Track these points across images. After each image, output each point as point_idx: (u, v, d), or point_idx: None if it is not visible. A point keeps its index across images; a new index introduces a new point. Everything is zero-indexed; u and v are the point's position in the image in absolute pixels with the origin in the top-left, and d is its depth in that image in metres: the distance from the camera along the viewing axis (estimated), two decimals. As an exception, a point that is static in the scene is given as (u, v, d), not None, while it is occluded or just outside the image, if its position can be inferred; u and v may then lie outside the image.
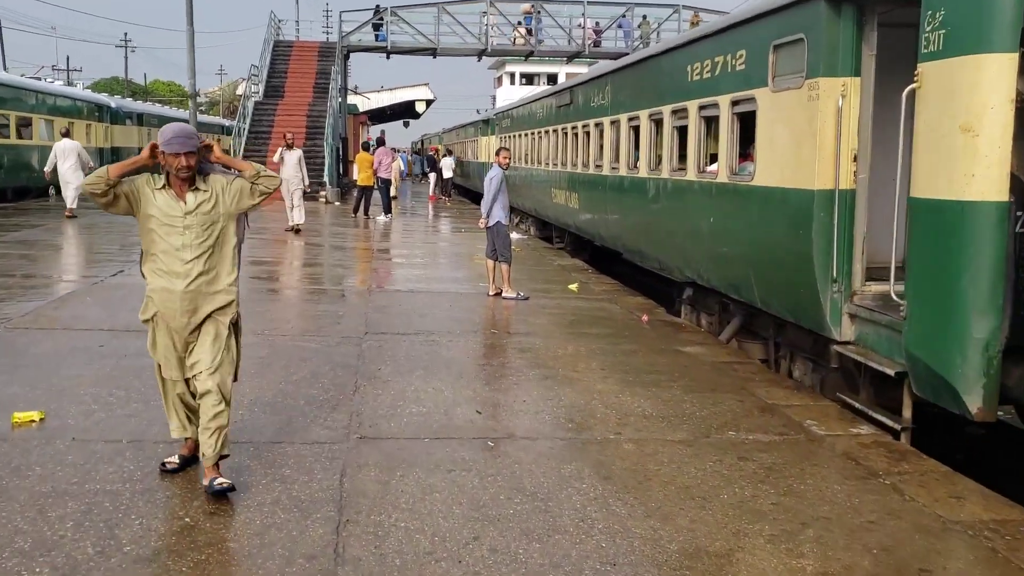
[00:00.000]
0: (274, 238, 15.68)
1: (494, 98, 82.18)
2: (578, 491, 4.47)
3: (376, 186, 22.66)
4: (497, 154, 10.94)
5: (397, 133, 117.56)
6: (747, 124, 8.38)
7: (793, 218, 7.19)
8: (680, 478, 4.73)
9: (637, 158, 11.78)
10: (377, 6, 35.46)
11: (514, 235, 18.93)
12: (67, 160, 18.74)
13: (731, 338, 9.32)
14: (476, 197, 37.71)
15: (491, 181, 10.64)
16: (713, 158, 9.37)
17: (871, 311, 6.54)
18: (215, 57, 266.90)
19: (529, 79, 69.90)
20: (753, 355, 8.88)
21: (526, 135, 21.15)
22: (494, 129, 28.21)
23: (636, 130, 11.88)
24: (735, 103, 8.43)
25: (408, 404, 5.88)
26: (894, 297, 6.01)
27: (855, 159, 6.67)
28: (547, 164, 18.21)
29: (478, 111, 70.40)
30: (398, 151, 33.34)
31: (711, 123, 9.44)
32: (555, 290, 11.51)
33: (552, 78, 69.84)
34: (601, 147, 13.89)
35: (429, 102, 63.70)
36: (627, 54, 37.57)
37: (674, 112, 10.20)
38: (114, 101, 34.84)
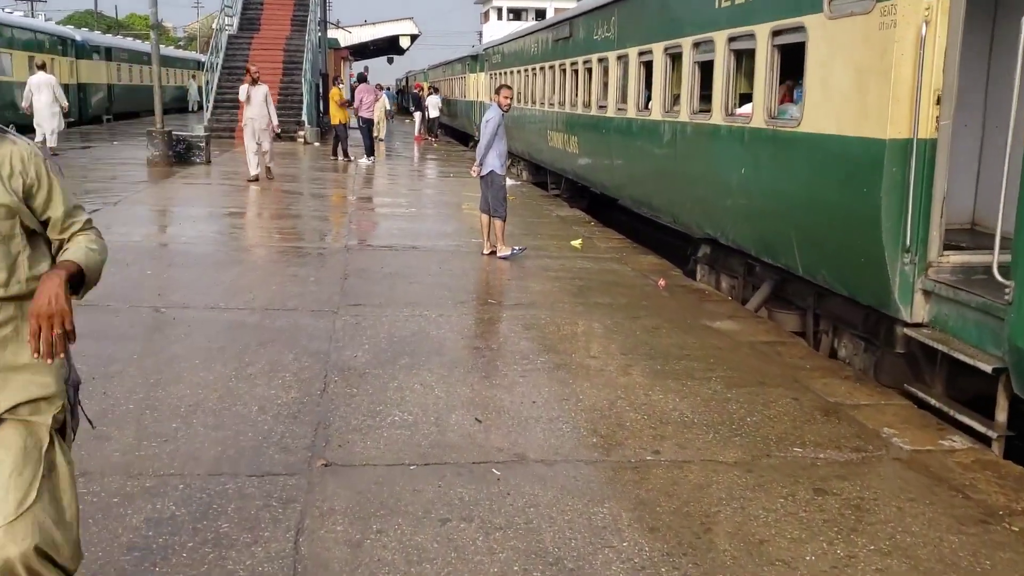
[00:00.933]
0: (245, 184, 14.34)
1: (480, 34, 79.77)
2: (618, 553, 3.33)
3: (358, 126, 21.18)
4: (497, 92, 9.57)
5: (381, 70, 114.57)
6: (791, 59, 7.08)
7: (854, 172, 5.95)
8: (748, 525, 3.59)
9: (649, 98, 10.46)
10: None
11: (508, 181, 17.62)
12: (41, 94, 18.17)
13: (760, 306, 8.17)
14: (464, 137, 36.21)
15: (487, 124, 9.34)
16: (744, 99, 8.09)
17: (954, 288, 5.36)
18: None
19: (517, 14, 67.57)
20: (786, 327, 7.74)
21: (519, 72, 19.66)
22: (483, 66, 26.60)
23: (648, 67, 10.54)
24: (776, 33, 7.12)
25: (389, 409, 4.70)
26: (997, 276, 4.83)
27: (938, 101, 5.42)
28: (543, 104, 16.81)
29: (473, 46, 68.35)
30: (383, 88, 31.52)
31: (743, 58, 8.12)
32: (556, 247, 10.29)
33: (541, 13, 67.47)
34: (605, 86, 12.53)
35: (414, 37, 61.24)
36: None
37: (696, 45, 8.86)
38: (79, 34, 32.83)
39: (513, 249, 9.41)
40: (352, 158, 20.55)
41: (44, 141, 18.08)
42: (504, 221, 9.54)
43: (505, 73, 21.70)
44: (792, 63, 7.02)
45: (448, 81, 37.38)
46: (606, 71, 12.48)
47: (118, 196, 12.67)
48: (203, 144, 18.07)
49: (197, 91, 46.43)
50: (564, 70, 15.08)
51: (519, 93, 19.76)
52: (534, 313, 6.97)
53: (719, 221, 8.43)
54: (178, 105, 47.18)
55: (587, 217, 13.16)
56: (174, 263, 8.32)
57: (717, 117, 8.31)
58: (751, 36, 7.54)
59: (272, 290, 7.43)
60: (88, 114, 31.52)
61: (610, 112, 12.03)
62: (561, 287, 8.03)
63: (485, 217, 9.63)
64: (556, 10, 67.85)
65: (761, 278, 8.35)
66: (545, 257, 9.54)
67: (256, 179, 14.67)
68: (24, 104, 18.56)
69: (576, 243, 10.54)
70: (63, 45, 29.68)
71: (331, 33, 40.15)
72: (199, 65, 48.62)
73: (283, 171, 17.61)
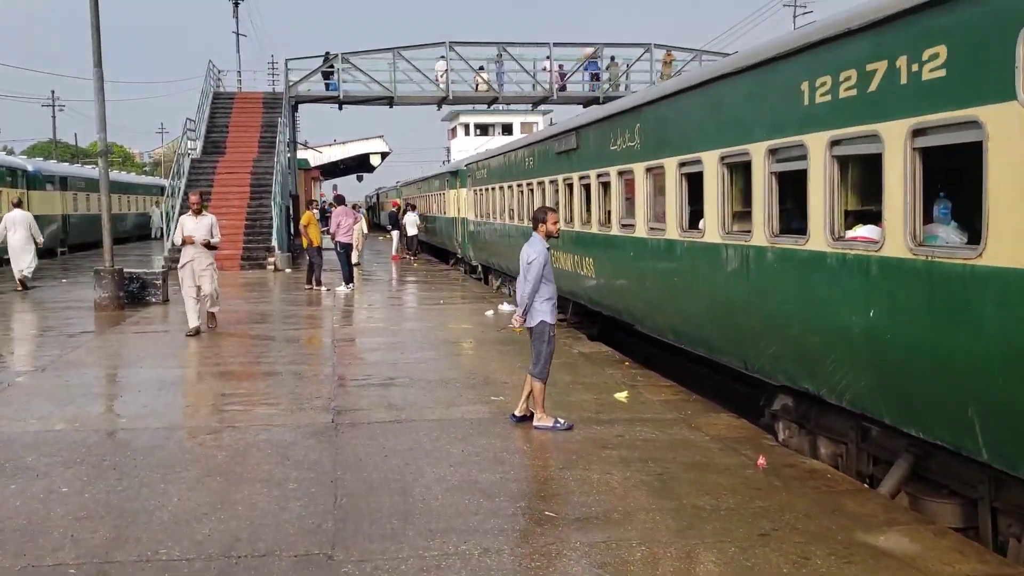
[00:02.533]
0: (194, 334, 12.20)
1: (448, 150, 79.81)
2: None
3: (335, 251, 19.27)
4: (541, 220, 7.51)
5: (350, 188, 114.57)
6: (950, 165, 5.25)
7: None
8: None
9: (699, 216, 8.61)
10: (327, 53, 32.39)
11: (504, 306, 15.68)
12: (16, 231, 18.18)
13: (897, 491, 6.10)
14: (443, 254, 34.53)
15: (531, 263, 7.32)
16: (859, 218, 6.22)
17: None
18: (156, 115, 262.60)
19: (484, 130, 67.62)
20: (940, 520, 5.66)
21: (510, 188, 17.98)
22: (465, 181, 25.04)
23: (693, 179, 8.74)
24: (919, 133, 5.28)
25: None
26: None
27: None
28: (543, 222, 15.01)
29: (444, 162, 67.67)
30: (358, 207, 29.93)
31: (851, 166, 6.31)
32: (596, 402, 8.21)
33: (507, 128, 67.64)
34: (630, 201, 10.73)
35: (384, 155, 60.63)
36: (597, 99, 35.26)
37: (773, 152, 7.05)
38: (31, 164, 31.05)
39: (556, 422, 7.28)
40: (326, 287, 18.56)
41: (22, 278, 18.27)
42: (544, 383, 7.47)
43: (492, 189, 20.04)
44: (960, 172, 5.17)
45: (425, 197, 35.94)
46: (629, 185, 10.70)
47: (48, 357, 10.46)
48: (159, 281, 15.98)
49: (160, 218, 44.73)
50: (570, 185, 13.33)
51: (511, 210, 18.05)
52: (618, 538, 4.81)
53: (823, 374, 6.43)
54: (141, 232, 45.34)
55: (614, 353, 11.13)
56: (101, 469, 6.07)
57: (818, 242, 6.40)
58: (872, 137, 5.70)
59: (237, 513, 5.20)
60: (40, 248, 29.38)
61: (640, 232, 10.18)
62: (634, 479, 5.89)
63: (528, 380, 7.57)
64: (522, 125, 68.34)
65: (889, 448, 6.32)
66: (592, 422, 7.43)
67: (196, 332, 11.79)
68: None
69: (621, 397, 8.46)
70: (12, 176, 27.82)
71: (301, 153, 38.88)
72: (163, 191, 47.08)
73: (252, 307, 15.50)
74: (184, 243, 11.79)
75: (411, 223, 30.78)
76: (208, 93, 31.36)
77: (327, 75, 32.72)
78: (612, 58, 34.26)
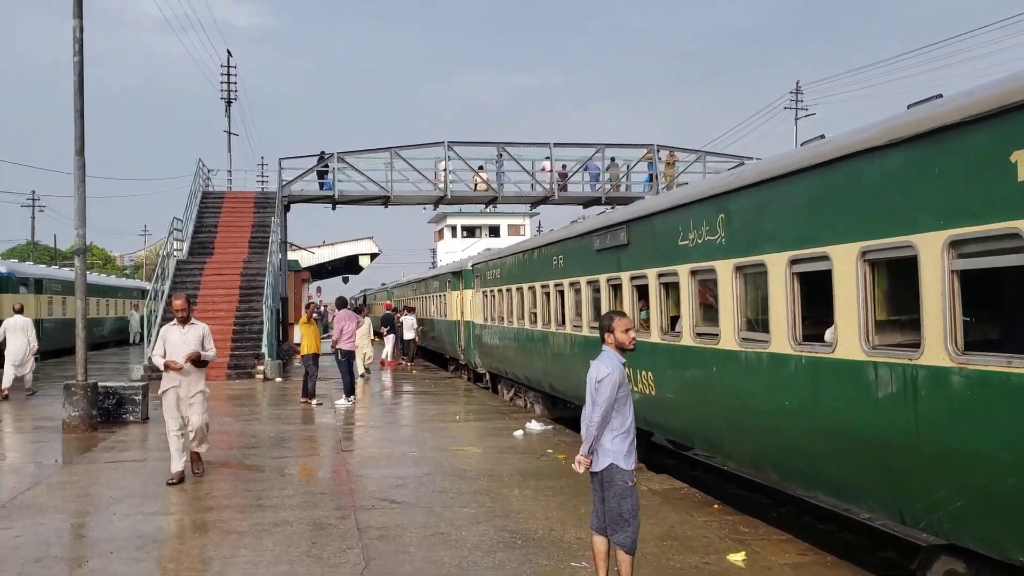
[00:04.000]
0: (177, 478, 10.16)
1: (434, 251, 78.88)
2: None
3: (336, 359, 17.40)
4: (608, 327, 5.80)
5: (336, 289, 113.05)
6: None
7: None
8: None
9: (819, 325, 6.93)
10: (322, 152, 31.27)
11: (533, 424, 13.78)
12: (16, 337, 18.43)
13: None
14: (438, 359, 32.60)
15: (600, 384, 5.58)
16: None
17: None
18: (140, 217, 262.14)
19: (471, 232, 67.08)
20: None
21: (531, 289, 16.34)
22: (471, 282, 23.42)
23: (815, 279, 7.09)
24: None
25: None
26: None
27: None
28: (577, 328, 13.31)
29: (433, 265, 66.31)
30: (364, 311, 28.15)
31: None
32: (705, 567, 6.31)
33: (494, 230, 67.09)
34: (707, 306, 9.08)
35: (374, 256, 59.27)
36: (598, 199, 34.21)
37: (957, 245, 5.42)
38: (5, 265, 29.21)
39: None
40: (319, 401, 16.65)
41: (19, 381, 18.32)
42: (633, 554, 5.60)
43: (507, 290, 18.39)
44: None
45: (422, 299, 34.27)
46: (706, 287, 9.06)
47: (-1, 498, 8.44)
48: (138, 396, 13.98)
49: (139, 322, 42.71)
50: (616, 286, 11.69)
51: (530, 313, 16.36)
52: None
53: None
54: (119, 337, 43.20)
55: (691, 489, 9.23)
56: None
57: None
58: None
59: None
60: (37, 354, 27.25)
61: (726, 343, 8.45)
62: None
63: (600, 541, 5.69)
64: (510, 227, 67.67)
65: None
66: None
67: (180, 479, 9.13)
68: None
69: (738, 559, 6.56)
70: (-17, 278, 25.93)
71: (292, 255, 37.34)
72: (143, 293, 45.16)
73: (244, 427, 13.50)
74: (167, 368, 9.11)
75: (408, 326, 28.99)
76: (197, 192, 29.96)
77: (321, 175, 31.57)
78: (612, 159, 33.38)
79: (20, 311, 19.61)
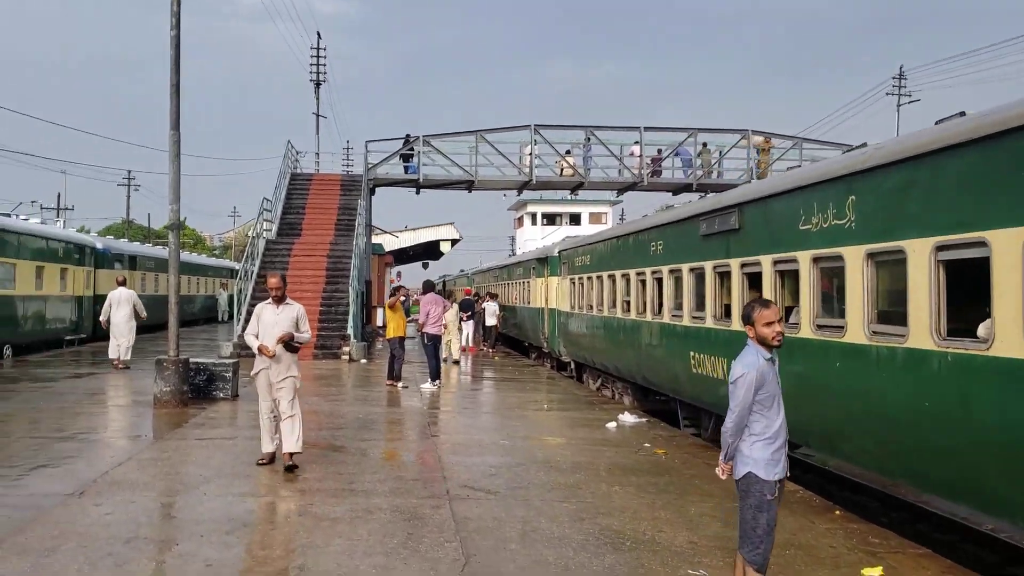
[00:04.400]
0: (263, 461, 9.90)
1: (513, 239, 78.57)
2: None
3: (422, 343, 17.14)
4: (749, 319, 5.04)
5: (415, 275, 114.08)
6: None
7: None
8: None
9: (978, 319, 6.20)
10: (407, 135, 31.11)
11: (626, 416, 13.21)
12: (120, 309, 18.98)
13: None
14: (517, 344, 32.21)
15: (737, 380, 4.94)
16: None
17: None
18: (229, 199, 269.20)
19: (551, 219, 66.53)
20: None
21: (624, 276, 15.73)
22: (557, 269, 22.90)
23: (967, 268, 6.36)
24: None
25: None
26: None
27: None
28: (678, 317, 12.66)
29: (512, 254, 65.95)
30: (452, 297, 27.83)
31: None
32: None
33: (575, 218, 66.37)
34: (830, 297, 8.37)
35: (454, 241, 59.27)
36: (689, 185, 33.25)
37: None
38: (100, 242, 29.96)
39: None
40: (405, 384, 16.40)
41: (119, 356, 18.82)
42: (763, 573, 4.99)
43: (596, 278, 17.81)
44: None
45: (504, 285, 33.91)
46: (833, 275, 8.35)
47: (88, 474, 8.29)
48: (228, 373, 13.92)
49: (227, 301, 43.56)
50: (723, 274, 11.02)
51: (624, 301, 15.75)
52: None
53: None
54: (208, 315, 44.21)
55: (802, 490, 8.54)
56: None
57: None
58: None
59: None
60: (143, 322, 27.95)
61: (852, 336, 7.73)
62: None
63: (740, 562, 5.11)
64: (591, 215, 66.87)
65: None
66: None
67: (271, 459, 8.85)
68: (102, 318, 19.36)
69: (874, 574, 5.91)
70: (80, 254, 26.59)
71: (375, 238, 37.44)
72: (232, 273, 46.06)
73: (332, 408, 13.29)
74: (259, 351, 8.67)
75: (491, 313, 28.65)
76: (285, 173, 30.19)
77: (406, 158, 31.44)
78: (704, 144, 32.34)
79: (123, 283, 20.06)
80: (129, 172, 64.14)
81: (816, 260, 8.54)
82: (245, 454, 9.37)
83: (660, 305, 13.72)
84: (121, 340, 18.96)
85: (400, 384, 16.40)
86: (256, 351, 8.76)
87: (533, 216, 67.60)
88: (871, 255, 7.57)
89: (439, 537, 6.42)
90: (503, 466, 9.17)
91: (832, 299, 8.44)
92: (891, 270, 7.42)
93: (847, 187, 7.96)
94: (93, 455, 9.29)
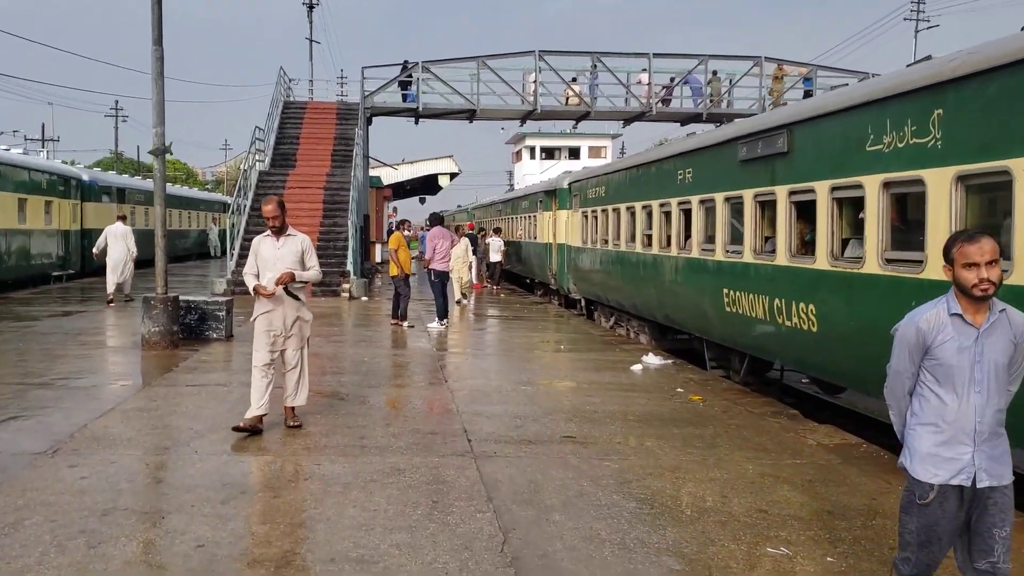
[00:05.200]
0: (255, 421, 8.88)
1: (511, 174, 77.05)
2: None
3: (429, 280, 16.17)
4: (948, 256, 3.55)
5: (412, 210, 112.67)
6: None
7: None
8: None
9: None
10: (405, 61, 29.64)
11: (650, 358, 12.31)
12: (118, 245, 18.65)
13: None
14: (523, 284, 31.22)
15: (895, 336, 3.73)
16: None
17: None
18: (220, 132, 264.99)
19: (550, 153, 65.00)
20: None
21: (643, 209, 14.67)
22: (566, 202, 21.80)
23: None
24: None
25: None
26: None
27: None
28: (707, 251, 11.66)
29: (512, 186, 64.52)
30: (462, 231, 26.20)
31: None
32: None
33: (575, 152, 64.82)
34: (905, 227, 7.37)
35: (453, 175, 57.88)
36: (699, 115, 31.91)
37: None
38: (87, 174, 28.68)
39: None
40: (410, 324, 15.46)
41: (118, 289, 18.58)
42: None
43: (614, 211, 16.74)
44: None
45: (508, 220, 32.79)
46: (909, 202, 7.33)
47: (65, 428, 7.36)
48: (222, 312, 12.95)
49: (218, 236, 42.37)
50: (765, 203, 9.98)
51: (645, 236, 14.72)
52: None
53: None
54: (201, 251, 43.10)
55: (865, 444, 7.64)
56: None
57: None
58: None
59: None
60: (93, 264, 26.87)
61: (934, 271, 6.75)
62: None
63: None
64: (591, 149, 65.47)
65: None
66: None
67: (252, 428, 7.22)
68: (95, 251, 19.23)
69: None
70: (65, 186, 25.38)
71: (372, 171, 36.14)
72: (224, 207, 44.79)
73: (335, 350, 12.36)
74: (256, 293, 7.34)
75: (495, 249, 27.59)
76: (278, 101, 28.79)
77: (404, 85, 30.04)
78: (715, 72, 30.97)
79: (123, 219, 19.62)
80: (116, 102, 62.26)
81: (887, 185, 7.49)
82: (241, 403, 8.40)
83: (687, 238, 12.71)
84: (120, 276, 18.70)
85: (406, 323, 15.47)
86: (253, 292, 7.41)
87: (532, 150, 66.01)
88: (962, 178, 6.53)
89: (469, 506, 5.52)
90: (528, 416, 8.26)
91: (907, 230, 7.44)
92: (988, 195, 6.41)
93: (931, 100, 6.88)
94: (71, 404, 8.35)
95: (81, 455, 6.51)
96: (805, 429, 8.14)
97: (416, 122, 31.20)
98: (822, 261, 8.59)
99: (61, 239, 24.98)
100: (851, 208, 8.41)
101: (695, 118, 30.96)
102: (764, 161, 9.94)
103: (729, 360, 12.08)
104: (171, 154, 14.31)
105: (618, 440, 7.42)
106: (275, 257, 7.39)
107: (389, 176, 46.63)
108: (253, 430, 7.24)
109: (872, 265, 7.67)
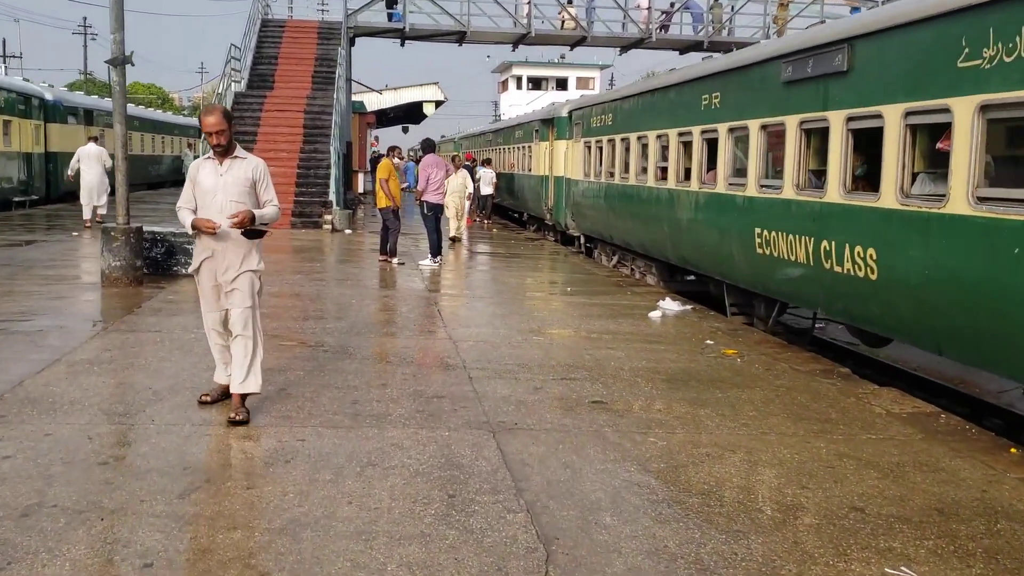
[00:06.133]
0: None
1: (496, 104, 74.91)
2: None
3: (421, 213, 14.85)
4: None
5: (394, 140, 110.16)
6: None
7: None
8: None
9: None
10: (392, -24, 27.77)
11: (668, 304, 11.19)
12: (92, 167, 18.10)
13: None
14: (516, 219, 29.84)
15: None
16: None
17: None
18: (197, 55, 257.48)
19: (536, 84, 63.16)
20: None
21: (657, 139, 13.36)
22: (565, 131, 20.38)
23: None
24: None
25: None
26: None
27: None
28: (736, 186, 10.44)
29: (498, 116, 62.57)
30: (459, 161, 23.83)
31: None
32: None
33: (562, 83, 62.90)
34: (1004, 159, 6.17)
35: (439, 103, 55.75)
36: (700, 43, 30.32)
37: None
38: (51, 93, 26.80)
39: None
40: (400, 260, 14.22)
41: (93, 214, 18.18)
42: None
43: (622, 141, 15.40)
44: None
45: (499, 151, 31.27)
46: (1012, 131, 6.12)
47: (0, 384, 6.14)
48: (192, 245, 11.59)
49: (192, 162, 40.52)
50: (816, 131, 8.74)
51: (659, 168, 13.45)
52: None
53: None
54: (176, 178, 41.29)
55: (943, 413, 6.56)
56: None
57: None
58: None
59: None
60: (59, 189, 25.27)
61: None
62: None
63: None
64: (578, 79, 63.46)
65: None
66: None
67: (220, 397, 5.91)
68: (69, 173, 18.79)
69: None
70: (26, 105, 23.60)
71: (356, 96, 34.30)
72: (197, 132, 42.80)
73: (316, 291, 11.13)
74: (195, 228, 5.58)
75: (487, 181, 26.16)
76: (255, 19, 26.87)
77: (390, 4, 28.23)
78: (716, -1, 29.50)
79: (96, 140, 18.68)
80: (85, 20, 59.27)
81: (984, 109, 6.25)
82: (210, 355, 7.22)
83: (710, 171, 11.46)
84: (93, 198, 18.19)
85: (395, 260, 14.21)
86: (189, 229, 5.64)
87: (518, 80, 64.10)
88: None
89: (495, 502, 4.37)
90: (547, 376, 7.10)
91: (1010, 164, 6.25)
92: None
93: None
94: (8, 354, 7.09)
95: (9, 424, 5.29)
96: (866, 393, 7.05)
97: (402, 44, 29.48)
98: (889, 199, 7.39)
99: (23, 162, 23.32)
100: (926, 137, 7.20)
101: (696, 46, 29.49)
102: (815, 83, 8.63)
103: (753, 306, 10.99)
104: (132, 64, 12.96)
105: (657, 407, 6.29)
106: (217, 186, 5.62)
107: (371, 103, 44.62)
108: (218, 399, 5.94)
109: (959, 204, 6.48)
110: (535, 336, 8.76)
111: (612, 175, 15.93)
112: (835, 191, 8.23)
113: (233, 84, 23.39)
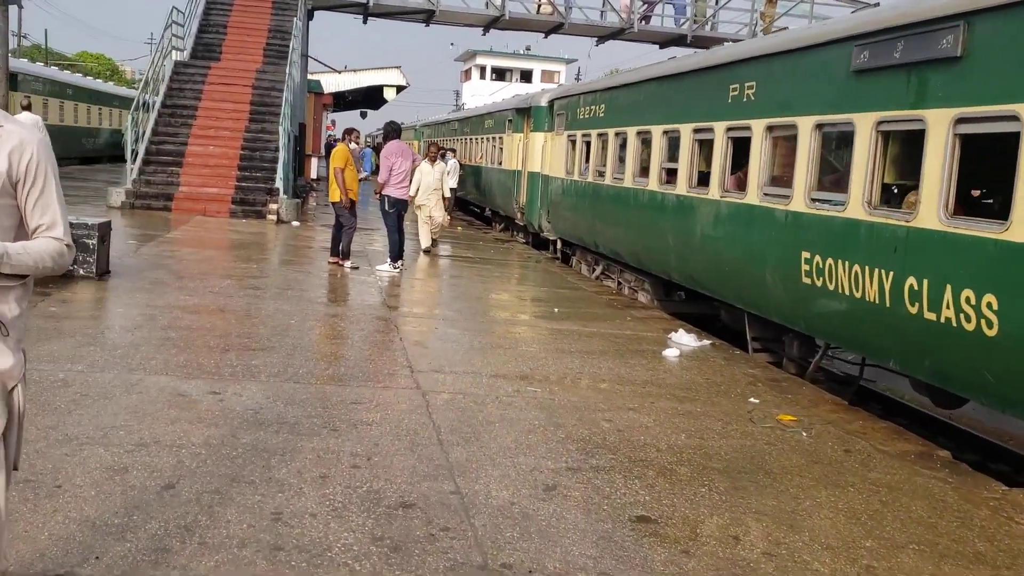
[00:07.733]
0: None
1: (458, 93, 72.72)
2: None
3: (381, 209, 12.62)
4: None
5: (351, 124, 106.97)
6: None
7: None
8: None
9: None
10: (356, -54, 25.44)
11: (682, 338, 9.18)
12: None
13: None
14: (483, 218, 27.53)
15: None
16: None
17: None
18: (147, 25, 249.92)
19: (500, 74, 61.29)
20: None
21: (666, 135, 11.35)
22: (543, 123, 18.30)
23: None
24: None
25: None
26: None
27: None
28: (760, 197, 8.48)
29: (461, 105, 60.29)
30: (439, 149, 19.65)
31: None
32: None
33: (526, 75, 61.08)
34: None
35: (400, 88, 53.30)
36: (682, 37, 28.55)
37: None
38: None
39: None
40: (354, 264, 12.03)
41: None
42: None
43: (618, 136, 13.37)
44: None
45: (465, 141, 29.06)
46: None
47: None
48: (93, 241, 9.27)
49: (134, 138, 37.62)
50: (898, 133, 6.80)
51: (665, 170, 11.46)
52: None
53: None
54: (115, 152, 38.30)
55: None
56: None
57: None
58: None
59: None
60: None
61: None
62: None
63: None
64: (543, 72, 61.62)
65: None
66: None
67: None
68: None
69: None
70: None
71: (312, 76, 31.76)
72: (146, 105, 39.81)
73: (249, 304, 8.87)
74: None
75: (454, 171, 23.91)
76: (204, -18, 24.29)
77: (354, -25, 25.93)
78: (702, -10, 27.92)
79: (28, 108, 16.82)
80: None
81: None
82: (103, 399, 5.00)
83: (735, 176, 9.50)
84: None
85: (348, 264, 11.99)
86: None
87: (482, 69, 62.11)
88: None
89: None
90: (558, 462, 5.01)
91: None
92: None
93: None
94: None
95: None
96: (997, 499, 5.10)
97: (364, 20, 27.21)
98: (1021, 230, 5.46)
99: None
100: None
101: (678, 40, 27.84)
102: (905, 71, 6.67)
103: (782, 343, 9.08)
104: (22, 7, 11.01)
105: (731, 530, 4.25)
106: None
107: (329, 84, 42.05)
108: None
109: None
110: (529, 386, 6.66)
111: (602, 174, 13.90)
112: (932, 214, 6.28)
113: (174, 52, 20.85)
